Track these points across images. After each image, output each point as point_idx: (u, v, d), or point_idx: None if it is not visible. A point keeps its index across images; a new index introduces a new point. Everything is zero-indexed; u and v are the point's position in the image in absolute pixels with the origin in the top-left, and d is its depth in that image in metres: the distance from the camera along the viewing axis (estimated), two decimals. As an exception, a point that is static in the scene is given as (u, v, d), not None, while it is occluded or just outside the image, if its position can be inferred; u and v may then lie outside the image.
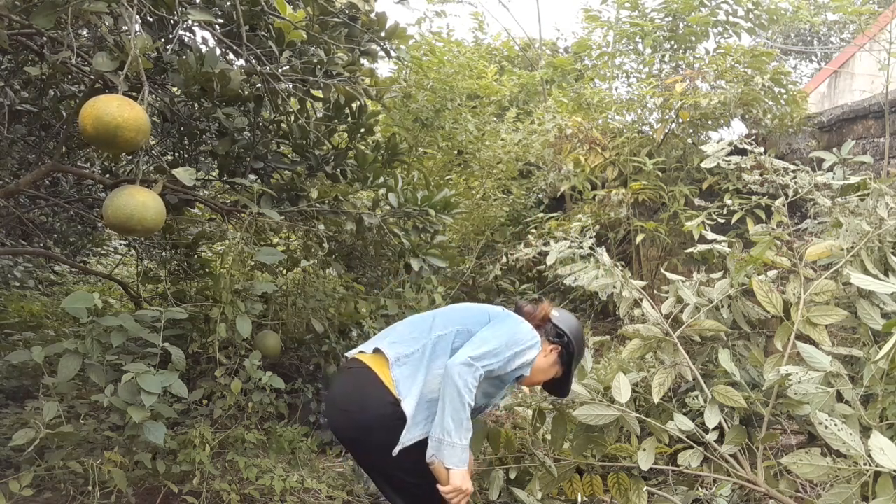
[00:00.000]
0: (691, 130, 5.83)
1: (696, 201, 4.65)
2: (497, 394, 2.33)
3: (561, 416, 2.87)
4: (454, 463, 2.01)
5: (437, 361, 2.13)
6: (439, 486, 2.05)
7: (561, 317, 2.38)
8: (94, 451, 2.89)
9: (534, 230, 5.62)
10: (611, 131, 6.11)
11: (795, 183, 3.15)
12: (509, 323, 2.23)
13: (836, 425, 2.10)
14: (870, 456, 2.02)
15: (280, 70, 2.90)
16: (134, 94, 2.47)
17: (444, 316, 2.30)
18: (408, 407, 2.09)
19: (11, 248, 4.25)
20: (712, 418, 2.65)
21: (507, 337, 2.14)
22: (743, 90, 5.31)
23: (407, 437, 2.09)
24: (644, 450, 2.67)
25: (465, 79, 5.99)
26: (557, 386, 2.47)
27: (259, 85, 3.08)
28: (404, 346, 2.20)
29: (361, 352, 2.28)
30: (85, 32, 2.96)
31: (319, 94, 3.23)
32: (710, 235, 3.28)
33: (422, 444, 2.09)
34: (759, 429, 2.67)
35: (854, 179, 3.26)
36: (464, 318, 2.27)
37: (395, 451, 2.09)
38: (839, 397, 2.47)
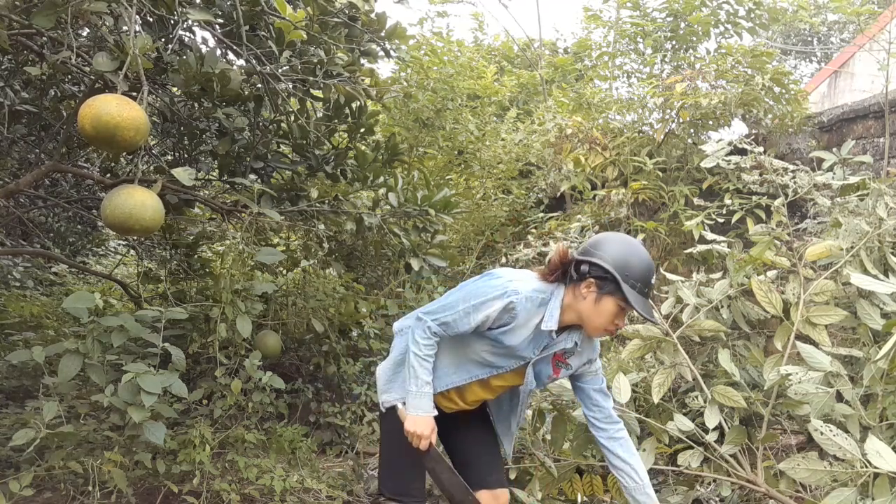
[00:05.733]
0: (692, 130, 5.82)
1: (696, 201, 4.65)
2: (498, 353, 2.11)
3: (561, 416, 2.87)
4: (410, 408, 2.12)
5: None
6: None
7: (588, 242, 2.06)
8: (94, 451, 2.89)
9: (534, 230, 5.61)
10: (611, 131, 6.11)
11: (795, 183, 3.15)
12: (479, 280, 2.13)
13: (831, 431, 2.11)
14: (866, 459, 2.02)
15: (280, 70, 2.90)
16: (134, 93, 2.47)
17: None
18: (379, 369, 2.29)
19: (11, 248, 4.26)
20: (712, 418, 2.65)
21: (466, 291, 2.10)
22: (743, 90, 5.31)
23: (383, 398, 2.25)
24: (644, 450, 2.67)
25: (465, 79, 5.99)
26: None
27: (259, 85, 3.08)
28: (407, 319, 2.34)
29: None
30: (85, 32, 2.96)
31: (319, 94, 3.23)
32: (710, 235, 3.28)
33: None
34: (759, 429, 2.67)
35: (854, 179, 3.26)
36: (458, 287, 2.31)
37: (383, 409, 2.26)
38: (839, 397, 2.47)
